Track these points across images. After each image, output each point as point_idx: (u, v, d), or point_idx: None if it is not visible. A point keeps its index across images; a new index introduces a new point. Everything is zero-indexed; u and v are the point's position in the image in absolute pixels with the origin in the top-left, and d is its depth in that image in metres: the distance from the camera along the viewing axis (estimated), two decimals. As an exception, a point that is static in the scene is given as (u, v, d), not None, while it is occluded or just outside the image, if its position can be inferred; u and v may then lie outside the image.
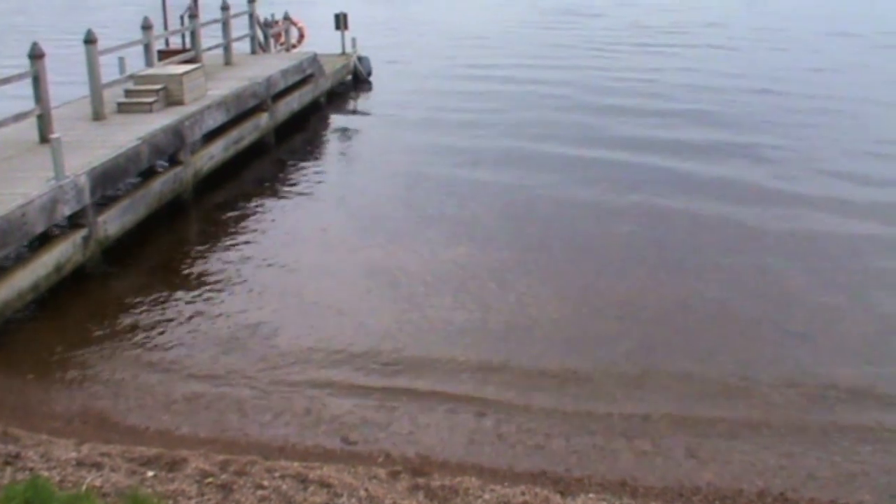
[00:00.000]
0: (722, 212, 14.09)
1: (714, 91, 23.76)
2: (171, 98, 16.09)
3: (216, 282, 11.81)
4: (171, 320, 10.67)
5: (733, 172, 16.19)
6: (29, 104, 13.36)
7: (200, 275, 12.08)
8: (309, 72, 22.26)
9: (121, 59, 17.33)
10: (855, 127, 19.72)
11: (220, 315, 10.78)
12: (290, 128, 20.43)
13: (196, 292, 11.49)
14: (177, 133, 14.81)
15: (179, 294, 11.44)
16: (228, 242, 13.28)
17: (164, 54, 19.91)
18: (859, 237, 12.94)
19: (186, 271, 12.22)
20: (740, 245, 12.75)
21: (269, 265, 12.31)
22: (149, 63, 17.55)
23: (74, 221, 11.70)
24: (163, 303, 11.17)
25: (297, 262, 12.37)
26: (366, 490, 6.73)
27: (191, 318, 10.73)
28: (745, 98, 22.83)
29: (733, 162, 16.88)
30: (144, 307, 11.06)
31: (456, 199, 14.80)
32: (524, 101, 22.67)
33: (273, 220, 14.29)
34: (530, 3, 50.67)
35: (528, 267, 11.97)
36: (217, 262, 12.49)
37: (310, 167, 17.49)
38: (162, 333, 10.33)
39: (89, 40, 14.77)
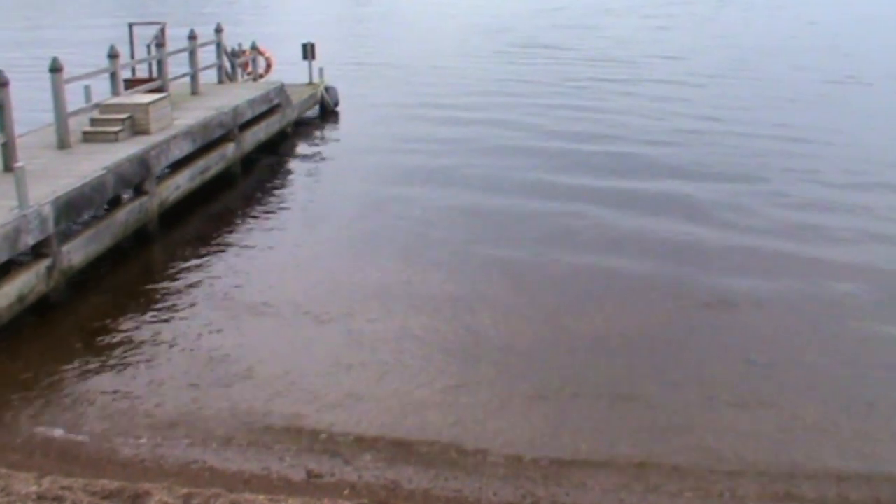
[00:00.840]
0: (676, 270, 13.44)
1: (674, 132, 22.96)
2: (137, 127, 16.04)
3: (181, 315, 11.75)
4: (135, 353, 10.60)
5: (690, 226, 15.28)
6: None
7: (165, 308, 12.00)
8: (276, 102, 22.28)
9: (87, 88, 17.26)
10: (816, 172, 19.10)
11: (184, 350, 10.72)
12: (256, 158, 20.40)
13: (160, 325, 11.42)
14: (143, 163, 14.76)
15: (144, 327, 11.37)
16: (193, 275, 13.21)
17: (131, 83, 19.83)
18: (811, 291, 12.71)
19: (151, 303, 12.14)
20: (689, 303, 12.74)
21: (234, 300, 12.25)
22: (115, 92, 17.47)
23: (38, 251, 11.61)
24: (127, 335, 11.10)
25: (262, 298, 12.29)
26: (331, 523, 6.72)
27: (154, 351, 10.67)
28: (704, 139, 22.27)
29: (690, 213, 15.98)
30: (108, 339, 10.98)
31: (412, 253, 14.21)
32: (482, 144, 21.80)
33: (238, 254, 14.20)
34: (495, 37, 51.08)
35: (479, 326, 11.55)
36: (182, 295, 12.42)
37: (275, 199, 17.45)
38: (125, 366, 10.26)
39: (55, 69, 14.71)
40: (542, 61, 38.13)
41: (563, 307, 11.96)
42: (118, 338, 11.00)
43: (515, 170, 19.12)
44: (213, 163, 17.75)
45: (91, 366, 10.25)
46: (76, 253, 12.40)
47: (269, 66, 26.95)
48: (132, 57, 21.74)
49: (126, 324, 11.42)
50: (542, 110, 26.16)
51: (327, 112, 26.38)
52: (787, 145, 21.52)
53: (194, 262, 13.76)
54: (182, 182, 16.30)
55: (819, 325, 11.47)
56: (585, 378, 9.97)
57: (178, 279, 13.03)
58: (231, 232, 15.26)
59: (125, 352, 10.61)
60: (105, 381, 9.89)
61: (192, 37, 21.29)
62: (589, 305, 12.01)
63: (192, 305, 12.03)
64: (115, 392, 9.63)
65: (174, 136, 16.24)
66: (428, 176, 18.71)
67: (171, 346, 10.76)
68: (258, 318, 11.64)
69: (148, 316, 11.68)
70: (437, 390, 9.64)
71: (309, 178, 19.40)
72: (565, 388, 9.76)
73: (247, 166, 19.57)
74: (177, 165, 16.58)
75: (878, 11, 61.24)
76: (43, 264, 11.55)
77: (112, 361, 10.36)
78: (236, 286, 12.71)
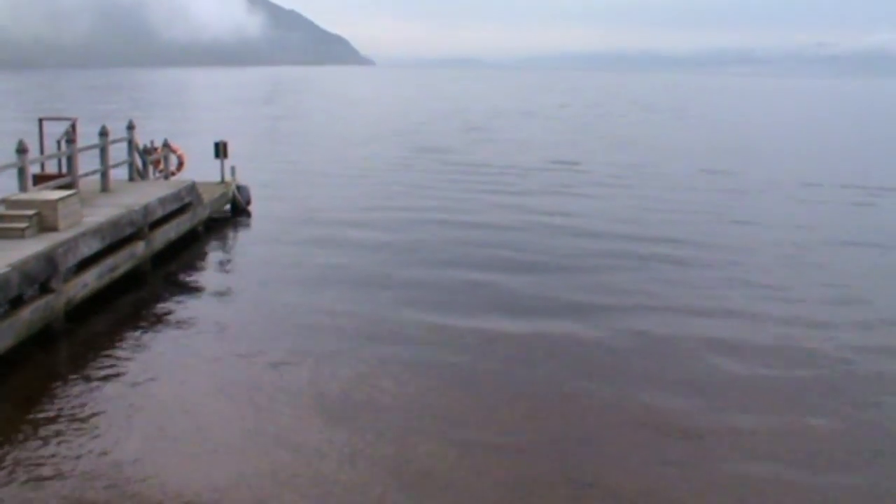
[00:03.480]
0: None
1: (560, 254, 21.66)
2: (44, 224, 15.76)
3: (82, 417, 11.38)
4: (30, 465, 10.18)
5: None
6: None
7: (66, 410, 11.59)
8: (187, 200, 22.14)
9: (-7, 183, 16.95)
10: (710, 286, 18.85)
11: (83, 456, 10.34)
12: (166, 257, 20.12)
13: (60, 429, 11.02)
14: (49, 260, 14.44)
15: (42, 429, 10.96)
16: (98, 377, 12.82)
17: (40, 179, 19.54)
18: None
19: (52, 406, 11.72)
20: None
21: (140, 403, 11.93)
22: (23, 187, 17.17)
23: (-64, 351, 11.19)
24: (25, 442, 10.66)
25: (169, 401, 11.99)
26: None
27: (53, 455, 10.28)
28: (594, 263, 20.90)
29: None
30: (7, 442, 10.54)
31: (316, 360, 13.71)
32: (372, 259, 20.76)
33: (145, 355, 13.83)
34: (398, 140, 52.09)
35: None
36: (85, 398, 12.02)
37: (185, 299, 17.16)
38: (23, 470, 9.85)
39: (-38, 163, 14.43)
40: (439, 168, 38.57)
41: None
42: (17, 441, 10.57)
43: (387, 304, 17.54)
44: (122, 261, 17.46)
45: (-11, 472, 9.82)
46: (-23, 353, 11.98)
47: (181, 164, 26.85)
48: (41, 152, 21.46)
49: (25, 427, 10.98)
50: (432, 227, 24.83)
51: (239, 211, 26.30)
52: (668, 266, 20.67)
53: (99, 363, 13.36)
54: (90, 280, 15.97)
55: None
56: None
57: (81, 382, 12.61)
58: (138, 334, 14.89)
59: (23, 455, 10.19)
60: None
61: (103, 133, 21.14)
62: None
63: (95, 410, 11.60)
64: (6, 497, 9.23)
65: (83, 234, 15.98)
66: (337, 284, 18.34)
67: (70, 452, 10.37)
68: (162, 424, 11.26)
69: (48, 420, 11.26)
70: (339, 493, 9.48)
71: (219, 279, 19.14)
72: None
73: (157, 265, 19.28)
74: (85, 263, 16.25)
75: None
76: (-59, 365, 11.13)
77: (10, 465, 9.92)
78: (142, 391, 12.33)
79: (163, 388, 12.46)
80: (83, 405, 11.77)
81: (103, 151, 21.13)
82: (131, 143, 23.45)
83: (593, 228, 25.40)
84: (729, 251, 22.50)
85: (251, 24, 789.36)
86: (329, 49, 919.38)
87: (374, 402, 12.14)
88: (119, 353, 13.85)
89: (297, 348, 14.18)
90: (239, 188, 26.61)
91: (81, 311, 15.53)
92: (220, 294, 17.72)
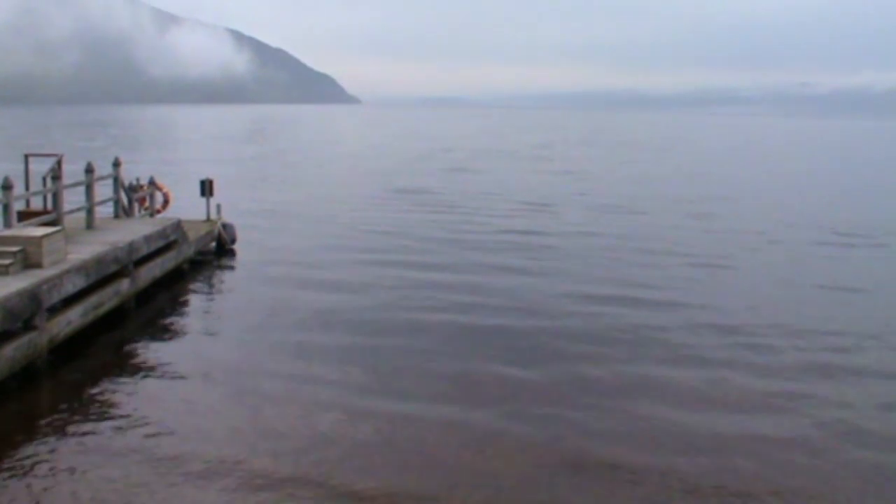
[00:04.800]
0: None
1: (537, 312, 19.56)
2: (28, 260, 15.68)
3: (61, 460, 11.24)
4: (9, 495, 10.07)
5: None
6: None
7: (44, 454, 11.45)
8: (172, 238, 22.09)
9: (-23, 220, 16.88)
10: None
11: (62, 497, 10.20)
12: (151, 294, 20.03)
13: (36, 474, 10.87)
14: (33, 297, 14.36)
15: (17, 474, 10.84)
16: (81, 418, 12.66)
17: (24, 215, 19.48)
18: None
19: (30, 450, 11.56)
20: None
21: (118, 447, 11.78)
22: (7, 224, 17.12)
23: (-83, 389, 11.08)
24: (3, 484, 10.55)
25: (150, 450, 11.74)
26: None
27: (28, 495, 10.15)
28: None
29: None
30: (-12, 483, 10.43)
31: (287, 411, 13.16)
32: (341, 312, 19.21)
33: (128, 395, 13.67)
34: (379, 181, 52.11)
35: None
36: (65, 441, 11.86)
37: (168, 339, 17.05)
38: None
39: (-54, 200, 14.38)
40: (417, 214, 37.48)
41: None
42: (-2, 483, 10.47)
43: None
44: (106, 298, 17.37)
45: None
46: (-42, 391, 11.87)
47: (166, 202, 26.81)
48: (27, 188, 21.41)
49: (3, 471, 10.87)
50: (402, 285, 21.96)
51: (224, 249, 26.22)
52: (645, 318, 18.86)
53: (82, 404, 13.22)
54: (74, 317, 15.88)
55: None
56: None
57: (63, 424, 12.45)
58: (122, 372, 14.77)
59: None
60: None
61: (89, 170, 21.12)
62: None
63: (74, 454, 11.43)
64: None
65: (67, 271, 15.91)
66: (323, 326, 18.04)
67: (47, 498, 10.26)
68: (142, 474, 11.06)
69: (25, 464, 11.10)
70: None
71: (203, 318, 19.01)
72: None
73: (141, 303, 19.19)
74: (69, 300, 16.16)
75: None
76: (-79, 403, 11.01)
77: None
78: (125, 436, 12.10)
79: (142, 431, 12.32)
80: (62, 445, 11.64)
81: (89, 188, 21.11)
82: (117, 181, 23.43)
83: (563, 289, 22.08)
84: (708, 311, 20.06)
85: (238, 62, 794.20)
86: (316, 87, 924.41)
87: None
88: (102, 395, 13.68)
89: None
90: (224, 226, 26.54)
91: (65, 349, 15.42)
92: (203, 334, 17.54)
